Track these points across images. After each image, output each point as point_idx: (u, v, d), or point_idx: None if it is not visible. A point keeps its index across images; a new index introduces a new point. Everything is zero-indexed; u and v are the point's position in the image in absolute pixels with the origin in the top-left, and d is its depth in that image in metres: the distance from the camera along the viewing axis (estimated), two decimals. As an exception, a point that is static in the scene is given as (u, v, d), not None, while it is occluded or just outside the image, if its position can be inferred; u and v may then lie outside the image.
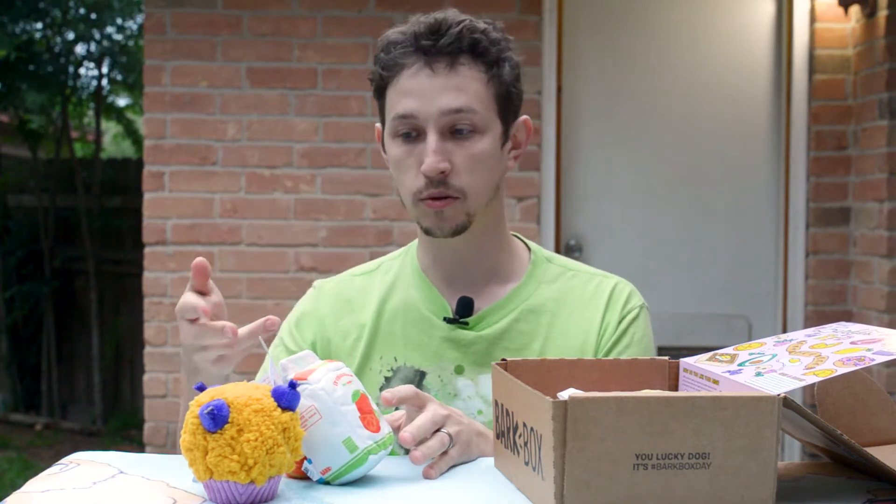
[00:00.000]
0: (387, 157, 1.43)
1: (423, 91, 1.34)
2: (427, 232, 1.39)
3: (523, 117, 1.45)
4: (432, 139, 1.33)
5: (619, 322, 1.43)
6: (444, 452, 1.14)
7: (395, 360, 1.43)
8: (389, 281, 1.49)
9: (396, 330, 1.44)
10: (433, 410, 1.15)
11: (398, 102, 1.36)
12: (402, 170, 1.37)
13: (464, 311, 1.42)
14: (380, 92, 1.40)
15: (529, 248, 1.51)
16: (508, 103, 1.40)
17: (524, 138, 1.46)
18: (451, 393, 1.40)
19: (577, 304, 1.45)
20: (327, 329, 1.47)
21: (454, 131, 1.35)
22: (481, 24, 1.37)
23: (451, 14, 1.36)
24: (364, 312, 1.46)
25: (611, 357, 1.40)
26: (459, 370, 1.41)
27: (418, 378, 1.41)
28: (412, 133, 1.35)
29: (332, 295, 1.50)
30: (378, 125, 1.46)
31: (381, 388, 1.41)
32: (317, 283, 1.53)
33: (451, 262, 1.44)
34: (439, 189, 1.34)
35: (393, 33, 1.38)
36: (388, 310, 1.46)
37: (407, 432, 1.10)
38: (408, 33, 1.36)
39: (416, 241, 1.51)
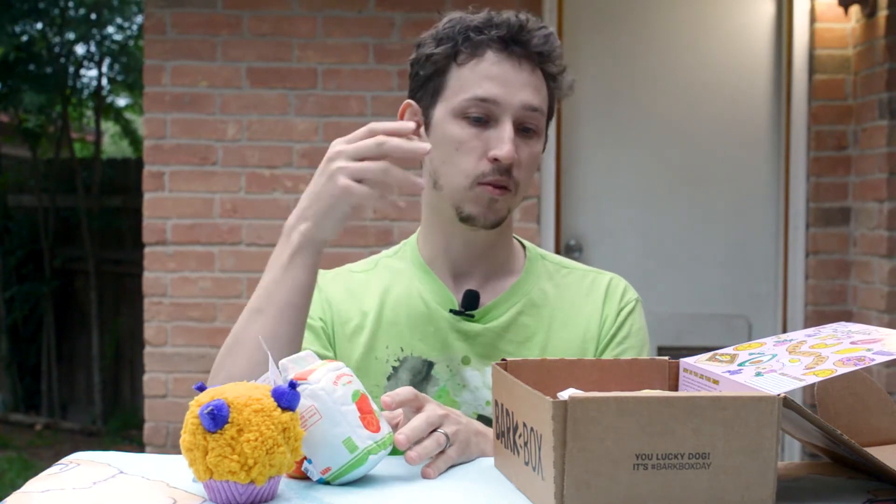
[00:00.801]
0: (419, 140, 1.42)
1: (509, 80, 1.36)
2: (467, 219, 1.39)
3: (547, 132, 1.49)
4: (509, 128, 1.35)
5: (618, 314, 1.47)
6: (442, 452, 1.14)
7: (402, 349, 1.43)
8: (389, 275, 1.50)
9: (401, 320, 1.44)
10: (430, 411, 1.16)
11: (477, 84, 1.36)
12: (464, 151, 1.37)
13: (469, 304, 1.43)
14: (442, 70, 1.39)
15: (524, 246, 1.55)
16: (552, 116, 1.46)
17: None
18: (459, 383, 1.42)
19: (575, 298, 1.48)
20: (331, 309, 1.47)
21: (523, 128, 1.38)
22: (557, 38, 1.42)
23: (532, 17, 1.40)
24: (366, 302, 1.47)
25: (611, 348, 1.44)
26: (466, 361, 1.43)
27: (426, 368, 1.42)
28: (483, 118, 1.36)
29: (333, 282, 1.50)
30: (410, 102, 1.44)
31: (389, 378, 1.42)
32: None
33: (464, 255, 1.46)
34: (504, 177, 1.36)
35: (468, 16, 1.40)
36: (391, 301, 1.46)
37: (402, 434, 1.11)
38: (490, 22, 1.38)
39: (412, 238, 1.52)
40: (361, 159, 1.23)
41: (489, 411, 1.40)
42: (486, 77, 1.36)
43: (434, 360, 1.43)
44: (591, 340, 1.45)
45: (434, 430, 1.14)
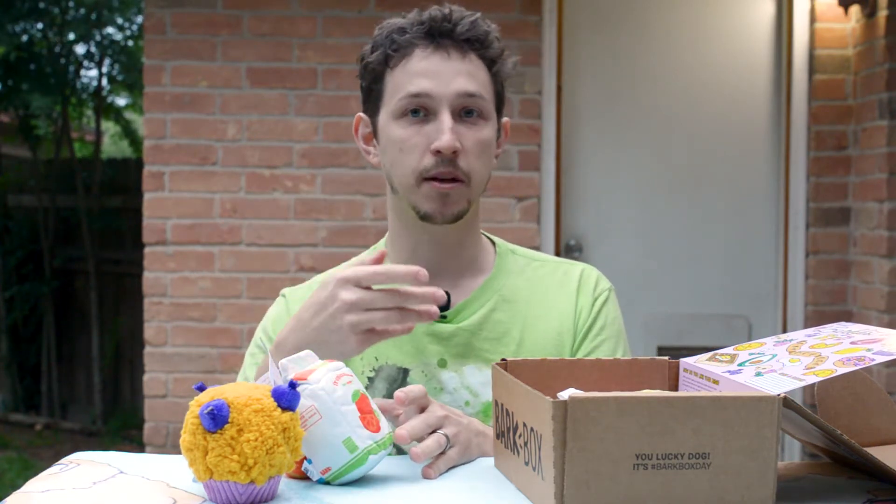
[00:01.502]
0: (371, 149, 1.45)
1: (439, 72, 1.36)
2: (425, 217, 1.39)
3: (505, 118, 1.49)
4: (447, 118, 1.35)
5: (593, 305, 1.46)
6: (442, 453, 1.14)
7: (377, 359, 1.42)
8: None
9: None
10: (431, 411, 1.16)
11: (408, 82, 1.37)
12: (407, 150, 1.37)
13: (442, 305, 1.41)
14: (377, 77, 1.41)
15: (493, 242, 1.54)
16: (501, 100, 1.45)
17: (503, 138, 1.50)
18: (436, 387, 1.40)
19: (548, 290, 1.47)
20: None
21: (464, 114, 1.37)
22: (488, 22, 1.42)
23: (459, 8, 1.41)
24: None
25: (588, 340, 1.44)
26: (442, 363, 1.41)
27: (402, 375, 1.41)
28: (421, 112, 1.37)
29: (302, 301, 1.49)
30: (361, 115, 1.47)
31: (367, 388, 1.41)
32: (285, 290, 1.52)
33: (432, 255, 1.44)
34: (448, 168, 1.36)
35: (396, 20, 1.42)
36: None
37: (403, 429, 1.11)
38: (417, 20, 1.39)
39: (381, 243, 1.52)
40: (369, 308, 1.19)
41: (468, 411, 1.38)
42: (415, 74, 1.37)
43: (409, 367, 1.41)
44: (568, 333, 1.44)
45: (434, 431, 1.14)
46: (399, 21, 1.42)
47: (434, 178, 1.36)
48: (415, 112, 1.37)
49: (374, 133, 1.44)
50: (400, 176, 1.39)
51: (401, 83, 1.38)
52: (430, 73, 1.36)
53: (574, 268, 1.51)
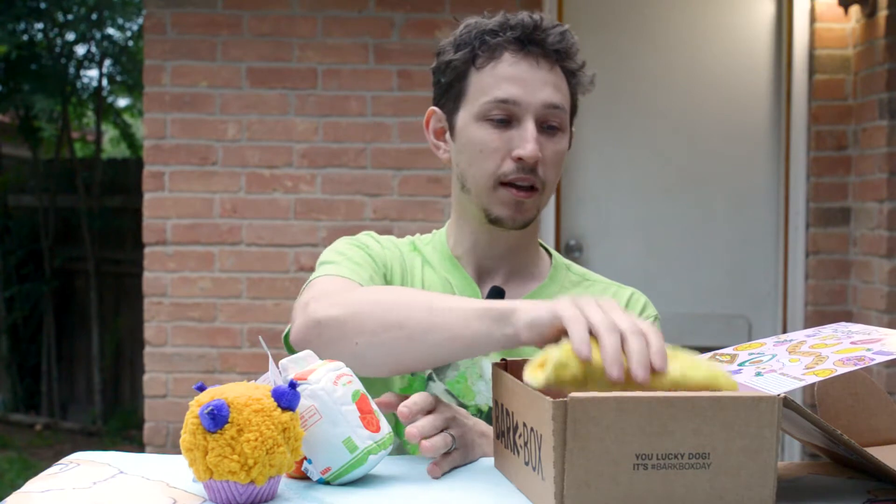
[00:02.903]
0: (442, 144, 1.46)
1: (527, 80, 1.37)
2: (496, 221, 1.41)
3: (572, 128, 1.49)
4: (532, 127, 1.37)
5: None
6: (448, 453, 1.14)
7: None
8: (421, 259, 1.51)
9: None
10: (439, 412, 1.17)
11: (496, 86, 1.38)
12: (487, 153, 1.39)
13: (496, 299, 1.43)
14: (461, 75, 1.41)
15: (550, 254, 1.55)
16: (575, 112, 1.46)
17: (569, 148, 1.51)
18: (478, 373, 1.42)
19: (596, 290, 1.49)
20: (390, 272, 1.47)
21: (546, 126, 1.39)
22: (573, 34, 1.43)
23: (546, 16, 1.42)
24: (412, 273, 1.48)
25: None
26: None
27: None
28: (505, 119, 1.38)
29: (398, 250, 1.51)
30: (434, 109, 1.47)
31: (426, 381, 1.42)
32: (365, 232, 1.54)
33: (488, 254, 1.47)
34: (528, 175, 1.38)
35: (486, 21, 1.41)
36: (427, 282, 1.47)
37: (414, 427, 1.12)
38: (506, 24, 1.39)
39: (442, 231, 1.54)
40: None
41: None
42: (504, 78, 1.38)
43: None
44: None
45: (442, 431, 1.15)
46: (488, 22, 1.41)
47: (511, 184, 1.38)
48: (501, 120, 1.38)
49: (451, 130, 1.45)
50: (477, 177, 1.41)
51: (488, 86, 1.39)
52: (518, 79, 1.37)
53: (623, 291, 1.51)
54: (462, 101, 1.42)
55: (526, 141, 1.36)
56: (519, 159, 1.37)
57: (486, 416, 1.40)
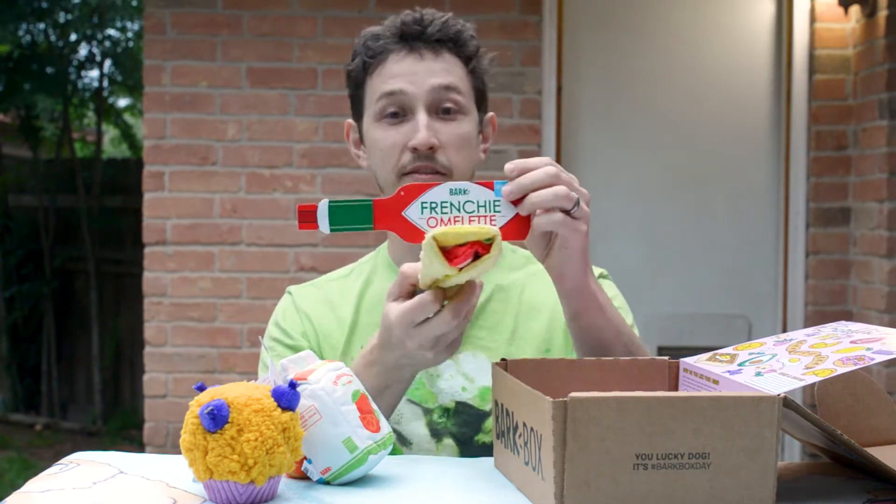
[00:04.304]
0: (360, 153, 1.50)
1: (412, 72, 1.40)
2: None
3: (490, 113, 1.51)
4: (422, 115, 1.39)
5: None
6: (568, 213, 1.15)
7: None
8: (364, 278, 1.52)
9: (375, 320, 1.44)
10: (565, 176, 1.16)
11: (384, 84, 1.41)
12: (387, 150, 1.41)
13: None
14: (359, 84, 1.45)
15: None
16: (482, 96, 1.48)
17: (490, 134, 1.52)
18: (434, 374, 1.43)
19: (543, 278, 1.46)
20: (312, 325, 1.48)
21: (441, 110, 1.40)
22: (461, 21, 1.46)
23: (431, 10, 1.45)
24: (343, 309, 1.49)
25: None
26: None
27: None
28: (399, 113, 1.40)
29: (311, 297, 1.52)
30: (349, 121, 1.52)
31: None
32: (291, 288, 1.55)
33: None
34: (426, 163, 1.38)
35: (373, 28, 1.46)
36: (366, 303, 1.48)
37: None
38: (392, 25, 1.43)
39: (385, 243, 1.55)
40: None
41: (465, 396, 1.41)
42: (391, 76, 1.41)
43: None
44: (560, 318, 1.42)
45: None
46: (375, 28, 1.46)
47: (413, 173, 1.39)
48: (394, 114, 1.40)
49: (362, 138, 1.49)
50: (384, 175, 1.43)
51: (378, 87, 1.42)
52: (404, 73, 1.40)
53: None
54: (363, 107, 1.45)
55: (417, 130, 1.38)
56: (414, 149, 1.38)
57: (454, 413, 1.41)
